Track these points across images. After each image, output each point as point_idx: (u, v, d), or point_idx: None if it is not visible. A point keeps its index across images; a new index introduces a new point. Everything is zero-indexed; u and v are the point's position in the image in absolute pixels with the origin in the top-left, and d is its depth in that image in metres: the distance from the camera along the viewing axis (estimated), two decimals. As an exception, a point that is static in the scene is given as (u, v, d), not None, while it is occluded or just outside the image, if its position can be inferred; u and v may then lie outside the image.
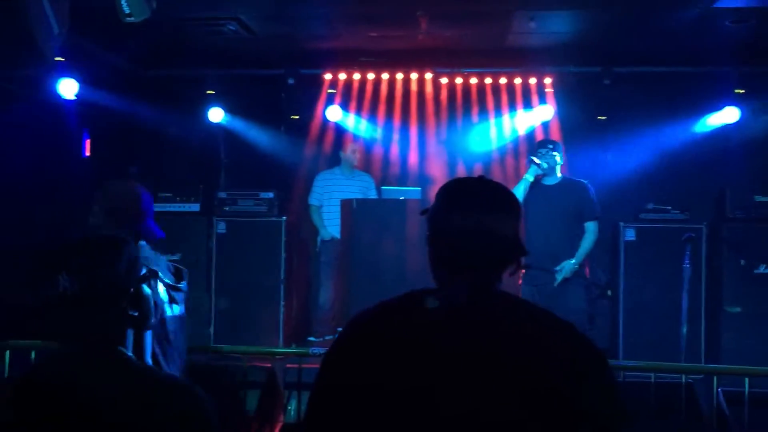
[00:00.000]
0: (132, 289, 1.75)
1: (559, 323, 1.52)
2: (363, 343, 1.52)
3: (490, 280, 1.57)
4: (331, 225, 6.79)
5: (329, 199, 6.84)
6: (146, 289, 1.80)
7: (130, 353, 1.75)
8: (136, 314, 1.76)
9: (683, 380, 3.77)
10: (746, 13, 5.54)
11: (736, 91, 6.65)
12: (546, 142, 5.56)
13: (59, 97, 6.50)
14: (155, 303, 2.03)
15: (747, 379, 3.69)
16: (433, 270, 1.62)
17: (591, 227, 5.32)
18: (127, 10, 3.96)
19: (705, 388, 4.16)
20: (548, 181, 5.42)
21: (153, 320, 1.83)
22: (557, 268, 5.20)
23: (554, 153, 5.37)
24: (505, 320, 1.49)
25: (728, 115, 6.65)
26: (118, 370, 1.69)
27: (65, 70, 6.29)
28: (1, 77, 6.29)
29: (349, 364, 1.51)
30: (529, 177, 5.36)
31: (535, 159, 5.36)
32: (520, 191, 5.30)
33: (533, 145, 5.65)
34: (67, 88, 6.35)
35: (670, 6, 5.55)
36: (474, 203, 1.57)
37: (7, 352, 4.02)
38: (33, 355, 3.95)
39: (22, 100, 6.46)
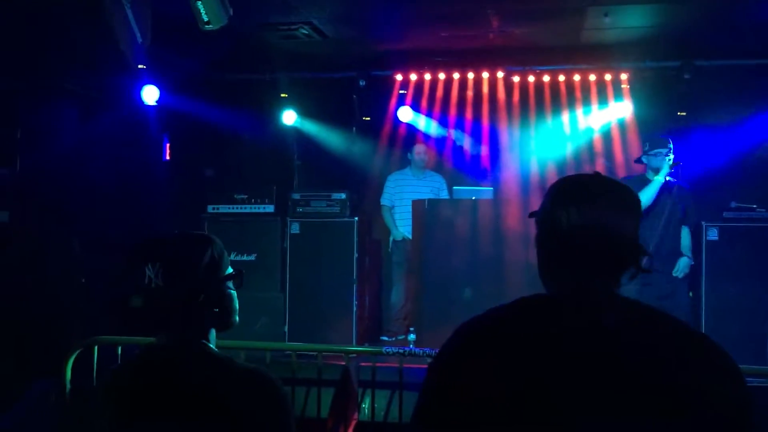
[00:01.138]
0: (214, 285, 1.80)
1: (692, 332, 1.42)
2: (477, 352, 1.44)
3: (609, 284, 1.46)
4: (402, 225, 6.84)
5: (401, 199, 6.88)
6: (230, 290, 1.84)
7: (212, 346, 1.81)
8: (217, 311, 1.80)
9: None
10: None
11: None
12: (667, 141, 5.33)
13: (142, 103, 6.77)
14: None
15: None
16: (543, 274, 1.52)
17: (687, 230, 5.43)
18: (205, 18, 4.10)
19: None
20: (663, 179, 5.30)
21: (236, 319, 1.87)
22: (676, 270, 5.26)
23: (672, 151, 5.27)
24: (631, 329, 1.40)
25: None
26: (203, 361, 1.75)
27: (147, 77, 6.54)
28: (87, 85, 6.60)
29: (463, 374, 1.43)
30: (661, 178, 5.25)
31: (673, 161, 5.25)
32: (652, 192, 5.20)
33: (647, 139, 5.44)
34: (149, 94, 6.61)
35: (754, -4, 5.34)
36: (590, 199, 1.45)
37: (95, 347, 4.21)
38: (119, 350, 4.12)
39: (108, 107, 6.76)
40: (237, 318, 1.88)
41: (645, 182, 5.27)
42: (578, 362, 1.36)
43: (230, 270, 1.85)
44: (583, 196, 1.47)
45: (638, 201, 1.53)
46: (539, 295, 1.49)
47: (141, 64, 5.71)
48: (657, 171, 5.25)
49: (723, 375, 1.37)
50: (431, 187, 6.91)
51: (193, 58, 6.88)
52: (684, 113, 6.70)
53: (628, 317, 1.43)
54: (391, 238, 6.97)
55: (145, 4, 4.06)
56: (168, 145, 7.63)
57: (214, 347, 1.81)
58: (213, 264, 1.81)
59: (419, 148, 6.97)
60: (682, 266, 5.28)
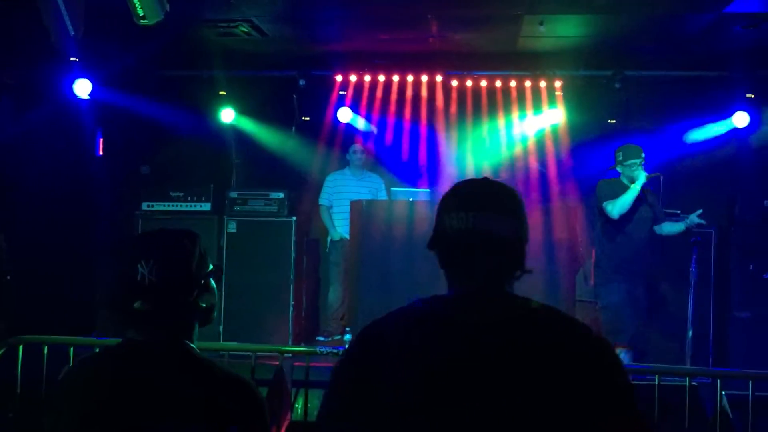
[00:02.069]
0: (203, 281, 1.81)
1: (577, 327, 1.50)
2: (375, 354, 1.50)
3: (498, 283, 1.54)
4: (340, 225, 6.86)
5: (339, 199, 6.91)
6: (213, 283, 1.86)
7: (194, 345, 1.80)
8: (204, 306, 1.81)
9: (687, 383, 3.78)
10: (757, 18, 5.54)
11: (748, 96, 6.64)
12: (640, 151, 5.51)
13: (74, 96, 6.60)
14: None
15: (751, 383, 3.70)
16: (445, 275, 1.60)
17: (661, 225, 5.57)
18: (141, 13, 4.04)
19: (711, 392, 4.17)
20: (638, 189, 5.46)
21: (215, 314, 1.88)
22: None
23: (641, 161, 5.46)
24: (521, 326, 1.47)
25: (739, 119, 6.64)
26: (186, 362, 1.74)
27: (80, 71, 6.38)
28: (18, 77, 6.39)
29: (360, 375, 1.49)
30: (638, 187, 5.40)
31: (647, 174, 5.42)
32: (628, 201, 5.36)
33: (621, 150, 5.60)
34: (82, 88, 6.44)
35: (682, 10, 5.56)
36: (472, 205, 1.54)
37: (20, 346, 4.08)
38: (71, 351, 4.01)
39: (39, 99, 6.56)
40: (216, 313, 1.89)
41: (622, 186, 5.50)
42: (470, 360, 1.43)
43: (211, 266, 1.87)
44: (466, 202, 1.55)
45: (521, 204, 1.60)
46: (435, 296, 1.55)
47: (74, 56, 5.57)
48: (632, 180, 5.44)
49: (606, 367, 1.46)
50: (369, 187, 6.96)
51: (130, 52, 6.74)
52: (614, 121, 6.93)
53: (517, 315, 1.50)
54: (328, 238, 6.99)
55: (76, -5, 3.96)
56: (101, 140, 7.45)
57: (195, 346, 1.81)
58: (201, 259, 1.82)
59: (357, 149, 7.01)
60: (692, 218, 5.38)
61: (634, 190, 5.40)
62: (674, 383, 4.02)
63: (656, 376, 3.79)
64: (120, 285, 1.77)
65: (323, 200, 7.02)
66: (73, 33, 4.00)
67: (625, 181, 5.55)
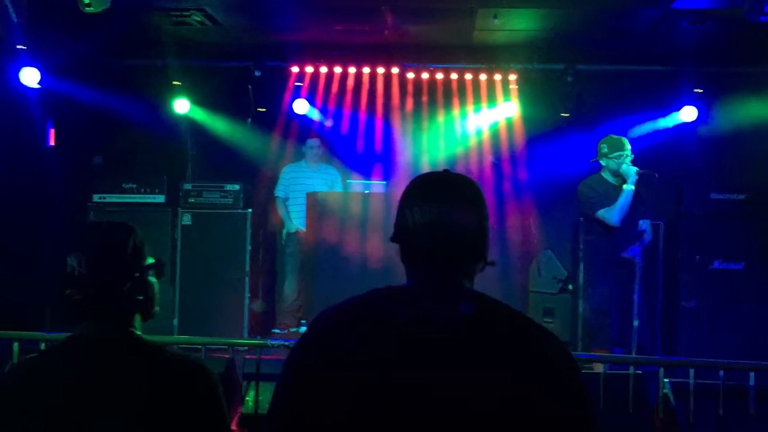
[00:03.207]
0: (137, 274, 1.80)
1: (531, 326, 1.50)
2: (326, 347, 1.47)
3: (457, 277, 1.53)
4: (296, 217, 6.84)
5: (295, 191, 6.88)
6: (152, 277, 1.86)
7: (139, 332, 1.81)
8: (141, 298, 1.81)
9: (631, 371, 3.87)
10: (703, 14, 5.67)
11: (695, 90, 6.79)
12: (625, 142, 5.26)
13: (22, 86, 6.43)
14: None
15: (692, 371, 3.81)
16: (405, 267, 1.58)
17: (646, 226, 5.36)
18: (86, 0, 3.96)
19: (656, 380, 4.28)
20: (632, 181, 5.16)
21: (158, 309, 1.88)
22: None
23: (625, 154, 5.16)
24: (474, 320, 1.46)
25: (687, 113, 6.79)
26: (135, 349, 1.75)
27: (27, 59, 6.21)
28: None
29: (312, 366, 1.46)
30: (631, 186, 5.12)
31: (639, 171, 5.12)
32: (627, 203, 5.12)
33: (605, 142, 5.33)
34: (30, 76, 6.28)
35: (630, 6, 5.65)
36: (433, 198, 1.52)
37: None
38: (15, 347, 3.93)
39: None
40: (158, 308, 1.89)
41: (605, 183, 5.24)
42: (425, 354, 1.41)
43: (151, 260, 1.87)
44: (427, 195, 1.54)
45: (483, 196, 1.59)
46: (390, 287, 1.53)
47: (20, 44, 5.43)
48: (616, 173, 5.18)
49: (561, 368, 1.45)
50: (326, 179, 6.95)
51: (80, 40, 6.59)
52: (567, 114, 7.02)
53: (473, 309, 1.48)
54: (284, 230, 6.97)
55: (19, -18, 3.87)
56: (52, 130, 7.28)
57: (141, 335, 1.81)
58: (136, 252, 1.81)
59: (314, 142, 7.00)
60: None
61: (629, 191, 5.08)
62: (621, 372, 4.12)
63: (602, 365, 3.87)
64: (56, 277, 1.79)
65: (279, 192, 6.99)
66: (16, 20, 3.90)
67: (606, 175, 5.27)
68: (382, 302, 1.50)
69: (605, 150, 5.27)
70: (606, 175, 5.31)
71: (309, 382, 1.45)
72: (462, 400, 1.38)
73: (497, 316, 1.49)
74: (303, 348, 1.51)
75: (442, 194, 1.53)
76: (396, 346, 1.43)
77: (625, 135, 6.26)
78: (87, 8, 3.98)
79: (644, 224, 5.31)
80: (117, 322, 1.79)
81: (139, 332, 1.81)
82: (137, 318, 1.83)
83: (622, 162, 5.14)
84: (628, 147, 5.23)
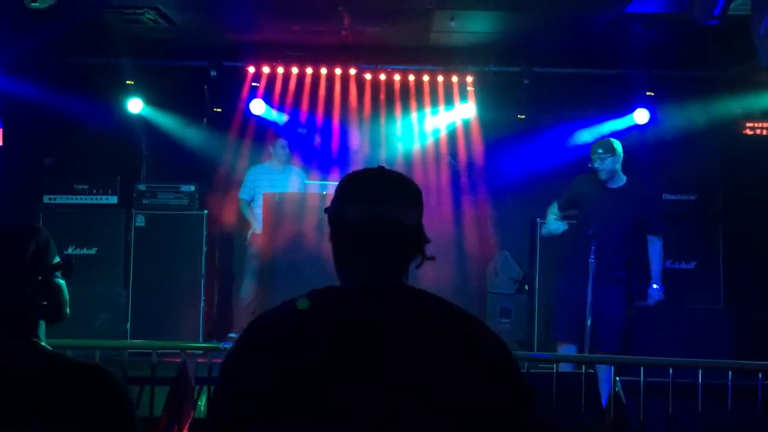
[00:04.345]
0: (40, 277, 1.71)
1: (471, 323, 1.48)
2: (262, 348, 1.45)
3: (394, 274, 1.51)
4: (261, 219, 6.76)
5: (260, 193, 6.81)
6: (59, 279, 1.77)
7: (43, 343, 1.72)
8: (46, 303, 1.72)
9: (583, 370, 3.91)
10: (655, 18, 5.75)
11: (648, 93, 6.91)
12: (598, 146, 5.26)
13: (-33, 84, 6.26)
14: None
15: (642, 369, 3.86)
16: (336, 266, 1.56)
17: (656, 241, 5.20)
18: (31, -5, 3.85)
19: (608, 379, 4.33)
20: (613, 185, 5.21)
21: (67, 311, 1.80)
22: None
23: (607, 156, 5.14)
24: (413, 318, 1.44)
25: (639, 116, 6.90)
26: (33, 359, 1.65)
27: (-28, 56, 6.05)
28: None
29: (247, 369, 1.44)
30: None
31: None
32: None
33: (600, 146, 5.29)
34: (-26, 74, 6.11)
35: (584, 9, 5.73)
36: (369, 192, 1.52)
37: None
38: None
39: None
40: (68, 310, 1.80)
41: (589, 183, 5.28)
42: (358, 352, 1.40)
43: (57, 259, 1.78)
44: (362, 191, 1.53)
45: (419, 193, 1.58)
46: (329, 287, 1.51)
47: (-37, 41, 5.28)
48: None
49: (504, 368, 1.45)
50: (292, 180, 6.88)
51: (29, 38, 6.43)
52: (523, 116, 7.08)
53: (411, 307, 1.47)
54: (249, 231, 6.88)
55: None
56: (0, 130, 7.09)
57: (44, 343, 1.72)
58: (38, 253, 1.72)
59: (281, 142, 6.95)
60: (655, 296, 5.37)
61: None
62: (572, 371, 4.16)
63: (554, 365, 3.90)
64: None
65: (243, 194, 6.91)
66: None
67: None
68: (320, 302, 1.48)
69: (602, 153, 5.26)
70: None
71: (244, 384, 1.43)
72: (400, 397, 1.37)
73: (436, 312, 1.48)
74: (238, 350, 1.48)
75: (378, 190, 1.52)
76: (333, 345, 1.41)
77: (578, 137, 6.36)
78: (32, 3, 3.87)
79: (657, 240, 5.25)
80: (15, 331, 1.69)
81: (42, 340, 1.72)
82: (41, 324, 1.74)
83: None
84: (598, 151, 5.21)
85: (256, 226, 6.79)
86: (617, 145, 5.26)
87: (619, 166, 5.23)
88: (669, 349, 5.23)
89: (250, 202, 6.89)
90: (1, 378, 1.60)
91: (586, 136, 6.85)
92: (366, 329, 1.42)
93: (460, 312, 1.50)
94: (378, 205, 1.50)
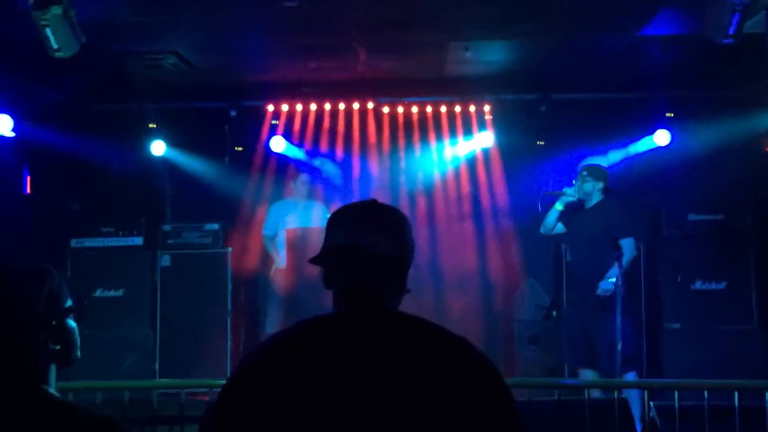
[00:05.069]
0: (54, 322, 1.68)
1: (452, 341, 1.50)
2: (251, 380, 1.47)
3: (379, 299, 1.55)
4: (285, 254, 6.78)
5: (284, 228, 6.85)
6: (71, 322, 1.73)
7: (52, 390, 1.67)
8: (58, 348, 1.68)
9: (616, 395, 3.84)
10: (670, 40, 5.77)
11: (667, 114, 6.89)
12: (584, 168, 5.60)
13: (-5, 134, 6.40)
14: None
15: (677, 393, 3.78)
16: (332, 294, 1.60)
17: (625, 244, 5.31)
18: (55, 45, 3.97)
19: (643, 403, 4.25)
20: (587, 205, 5.53)
21: (78, 354, 1.76)
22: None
23: (589, 179, 5.45)
24: (393, 344, 1.47)
25: (660, 137, 6.87)
26: (43, 410, 1.60)
27: (1, 106, 6.20)
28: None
29: (238, 400, 1.46)
30: (559, 206, 5.56)
31: (556, 192, 5.61)
32: (551, 221, 5.58)
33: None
34: (2, 124, 6.25)
35: (599, 34, 5.75)
36: (352, 223, 1.58)
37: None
38: None
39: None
40: (79, 353, 1.76)
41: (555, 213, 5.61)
42: (349, 381, 1.42)
43: (70, 302, 1.74)
44: (345, 220, 1.61)
45: (405, 225, 1.62)
46: (315, 316, 1.55)
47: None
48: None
49: (492, 392, 1.46)
50: (314, 215, 6.91)
51: (53, 86, 6.61)
52: (542, 143, 7.08)
53: (397, 332, 1.50)
54: (273, 267, 6.90)
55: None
56: (28, 177, 7.24)
57: (53, 389, 1.67)
58: (52, 297, 1.68)
59: (303, 177, 6.99)
60: (602, 287, 5.30)
61: (552, 211, 5.60)
62: (605, 397, 4.09)
63: (585, 391, 3.84)
64: None
65: (267, 230, 6.95)
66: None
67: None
68: (306, 332, 1.51)
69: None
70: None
71: (235, 416, 1.45)
72: (389, 423, 1.39)
73: (423, 338, 1.50)
74: (230, 383, 1.51)
75: (359, 219, 1.59)
76: (320, 374, 1.43)
77: (601, 161, 6.38)
78: (56, 53, 3.97)
79: (623, 242, 5.34)
80: (26, 379, 1.63)
81: (52, 387, 1.67)
82: (52, 369, 1.69)
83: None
84: (582, 173, 5.54)
85: (280, 262, 6.80)
86: (603, 173, 5.56)
87: (597, 192, 5.48)
88: (703, 371, 5.15)
89: (273, 237, 6.92)
90: (9, 428, 1.56)
91: (608, 159, 6.84)
92: (347, 355, 1.45)
93: (444, 335, 1.52)
94: (358, 234, 1.55)
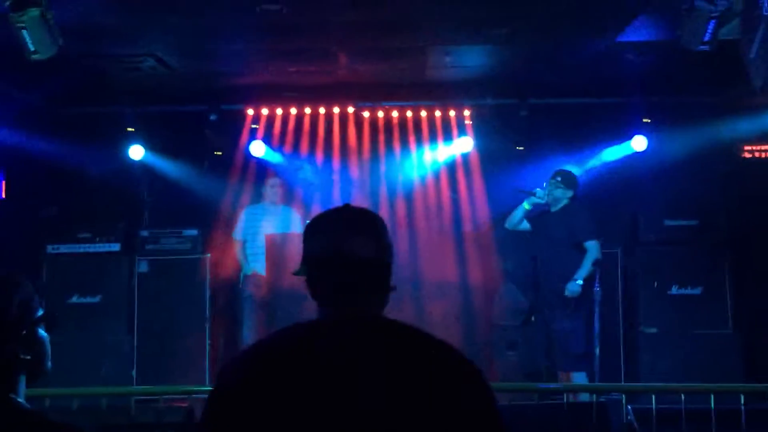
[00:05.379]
0: (24, 332, 1.65)
1: (435, 344, 1.51)
2: (236, 385, 1.46)
3: (362, 306, 1.55)
4: (253, 260, 6.74)
5: (253, 233, 6.81)
6: (42, 332, 1.70)
7: (21, 399, 1.64)
8: (29, 358, 1.65)
9: (594, 399, 3.87)
10: (647, 46, 5.83)
11: (644, 120, 6.95)
12: (557, 173, 5.76)
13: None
14: None
15: (654, 396, 3.82)
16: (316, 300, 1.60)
17: (590, 246, 5.47)
18: (32, 48, 3.92)
19: (619, 407, 4.28)
20: (553, 209, 5.68)
21: (49, 365, 1.73)
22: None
23: (560, 185, 5.62)
24: (377, 350, 1.47)
25: (637, 143, 6.94)
26: (6, 417, 1.58)
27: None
28: None
29: (224, 406, 1.45)
30: (526, 205, 5.72)
31: (526, 191, 5.70)
32: (517, 217, 5.75)
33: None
34: (-23, 128, 6.18)
35: (577, 39, 5.80)
36: (329, 228, 1.59)
37: None
38: None
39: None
40: (50, 364, 1.73)
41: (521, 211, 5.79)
42: (333, 387, 1.42)
43: (41, 311, 1.70)
44: (323, 227, 1.61)
45: (380, 227, 1.62)
46: (299, 323, 1.54)
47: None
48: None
49: (470, 386, 1.47)
50: (283, 220, 6.88)
51: (29, 90, 6.53)
52: (522, 148, 7.12)
53: (382, 337, 1.50)
54: (242, 274, 6.86)
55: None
56: (3, 182, 7.14)
57: (22, 399, 1.64)
58: (23, 306, 1.65)
59: (272, 181, 6.96)
60: (569, 288, 5.48)
61: (518, 209, 5.78)
62: (582, 401, 4.11)
63: (564, 395, 3.86)
64: None
65: (236, 235, 6.91)
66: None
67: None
68: (290, 337, 1.51)
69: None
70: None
71: (222, 422, 1.45)
72: (375, 427, 1.40)
73: (406, 341, 1.51)
74: (217, 391, 1.50)
75: (338, 226, 1.59)
76: (304, 379, 1.43)
77: (577, 166, 6.44)
78: (33, 55, 3.93)
79: (588, 245, 5.46)
80: None
81: (21, 396, 1.64)
82: (22, 379, 1.66)
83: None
84: (554, 177, 5.72)
85: (247, 268, 6.76)
86: (574, 181, 5.72)
87: (565, 199, 5.66)
88: (679, 375, 5.20)
89: (243, 242, 6.86)
90: None
91: (585, 163, 6.90)
92: (332, 363, 1.45)
93: (431, 341, 1.52)
94: (337, 239, 1.56)
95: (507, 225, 5.92)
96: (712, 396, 3.81)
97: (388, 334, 1.52)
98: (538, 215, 5.74)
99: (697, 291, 6.28)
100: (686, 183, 6.82)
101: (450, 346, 1.52)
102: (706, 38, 4.41)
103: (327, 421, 1.40)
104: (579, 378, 5.19)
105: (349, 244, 1.55)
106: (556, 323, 5.42)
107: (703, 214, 6.55)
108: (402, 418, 1.40)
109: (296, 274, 1.60)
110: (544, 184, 5.68)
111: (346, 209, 1.65)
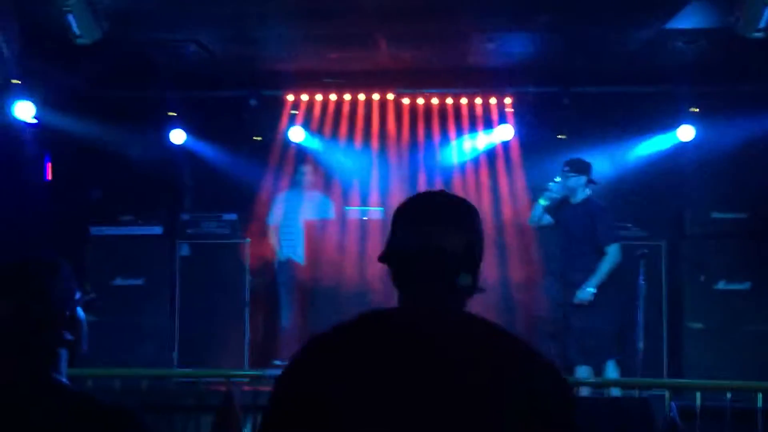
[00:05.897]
0: (68, 313, 1.68)
1: (518, 345, 1.46)
2: (317, 370, 1.43)
3: (446, 299, 1.50)
4: (287, 246, 6.77)
5: (286, 219, 6.83)
6: (81, 312, 1.74)
7: (65, 379, 1.67)
8: (71, 338, 1.69)
9: (637, 395, 3.79)
10: (696, 33, 5.67)
11: (691, 109, 6.77)
12: (566, 163, 5.58)
13: (17, 120, 6.43)
14: None
15: (699, 393, 3.72)
16: (397, 289, 1.56)
17: (611, 251, 5.31)
18: (77, 32, 3.97)
19: (662, 404, 4.19)
20: (573, 200, 5.52)
21: (86, 346, 1.75)
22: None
23: (571, 174, 5.45)
24: (457, 344, 1.43)
25: (684, 133, 6.76)
26: (54, 398, 1.61)
27: (22, 93, 6.21)
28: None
29: (301, 393, 1.42)
30: (542, 201, 5.58)
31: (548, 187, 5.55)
32: (536, 215, 5.63)
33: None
34: (24, 110, 6.27)
35: (624, 27, 5.66)
36: (423, 218, 1.52)
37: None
38: None
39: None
40: (86, 345, 1.75)
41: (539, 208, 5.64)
42: (416, 379, 1.38)
43: (78, 294, 1.74)
44: (418, 217, 1.53)
45: (472, 218, 1.55)
46: (378, 311, 1.50)
47: (13, 78, 5.44)
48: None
49: (551, 390, 1.42)
50: (317, 207, 6.88)
51: (75, 73, 6.62)
52: (563, 136, 6.99)
53: (462, 331, 1.46)
54: (276, 259, 6.88)
55: (8, 15, 3.87)
56: (49, 164, 7.27)
57: (65, 379, 1.67)
58: (64, 290, 1.69)
59: (306, 168, 6.97)
60: (579, 296, 5.38)
61: (536, 206, 5.64)
62: (625, 395, 4.03)
63: (604, 390, 3.79)
64: None
65: (270, 220, 6.94)
66: (8, 54, 3.90)
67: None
68: (371, 326, 1.47)
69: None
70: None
71: (295, 407, 1.41)
72: (454, 422, 1.36)
73: (487, 337, 1.46)
74: (291, 371, 1.46)
75: (438, 216, 1.52)
76: (385, 370, 1.40)
77: (625, 155, 6.29)
78: (78, 39, 3.98)
79: (609, 249, 5.35)
80: (41, 369, 1.63)
81: (64, 376, 1.67)
82: (65, 359, 1.69)
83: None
84: (564, 168, 5.53)
85: (279, 254, 6.79)
86: (585, 166, 5.50)
87: (580, 187, 5.46)
88: (725, 372, 5.07)
89: (276, 228, 6.89)
90: (24, 418, 1.56)
91: (636, 153, 6.76)
92: (411, 352, 1.41)
93: (508, 337, 1.47)
94: (425, 229, 1.50)
95: (529, 222, 5.82)
96: (760, 395, 3.70)
97: (466, 329, 1.47)
98: (559, 207, 5.57)
99: (746, 286, 6.11)
100: (735, 174, 6.63)
101: (534, 348, 1.47)
102: (762, 25, 4.26)
103: (405, 410, 1.37)
104: (582, 372, 5.13)
105: (437, 238, 1.49)
106: (572, 319, 5.36)
107: (753, 206, 6.35)
108: (477, 416, 1.36)
109: (381, 260, 1.55)
110: (557, 178, 5.52)
111: (441, 197, 1.57)
